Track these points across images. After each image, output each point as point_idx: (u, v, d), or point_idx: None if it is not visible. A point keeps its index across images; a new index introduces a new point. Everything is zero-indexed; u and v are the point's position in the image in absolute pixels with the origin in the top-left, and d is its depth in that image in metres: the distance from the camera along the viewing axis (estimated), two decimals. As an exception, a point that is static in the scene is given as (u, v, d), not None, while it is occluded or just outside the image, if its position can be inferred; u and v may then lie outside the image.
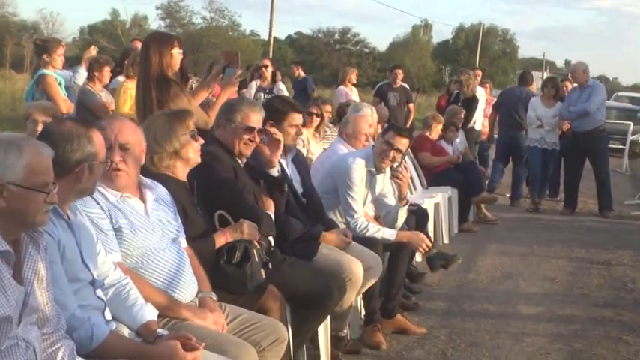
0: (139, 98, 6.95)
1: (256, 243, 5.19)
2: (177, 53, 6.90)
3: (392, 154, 7.05)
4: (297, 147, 7.02)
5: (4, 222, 3.16)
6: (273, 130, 5.89)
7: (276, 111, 6.43)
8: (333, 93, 18.39)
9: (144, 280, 4.40)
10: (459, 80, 15.47)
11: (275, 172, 5.92)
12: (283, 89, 15.46)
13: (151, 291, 4.36)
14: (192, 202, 5.18)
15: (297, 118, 6.49)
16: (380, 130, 8.72)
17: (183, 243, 4.75)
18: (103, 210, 4.34)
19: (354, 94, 16.11)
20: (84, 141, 3.79)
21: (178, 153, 5.08)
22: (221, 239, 5.09)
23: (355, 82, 16.68)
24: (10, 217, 3.17)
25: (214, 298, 4.69)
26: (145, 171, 4.89)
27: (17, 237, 3.25)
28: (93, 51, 11.27)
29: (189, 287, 4.62)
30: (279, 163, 6.10)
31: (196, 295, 4.65)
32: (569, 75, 14.56)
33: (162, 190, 4.77)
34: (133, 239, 4.43)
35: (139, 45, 13.10)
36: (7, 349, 3.16)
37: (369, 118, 8.27)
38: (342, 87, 16.31)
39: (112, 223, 4.36)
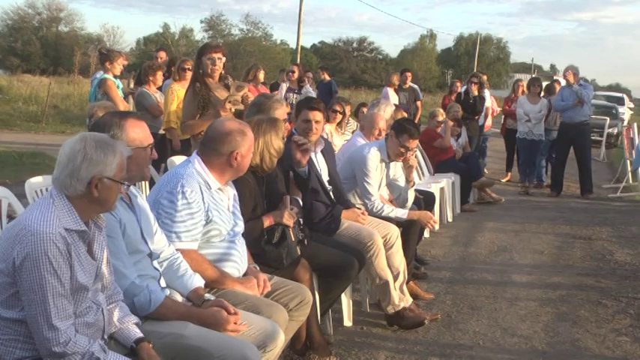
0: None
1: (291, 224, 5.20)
2: (206, 58, 6.94)
3: (408, 154, 7.08)
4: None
5: (86, 207, 3.30)
6: (303, 140, 5.88)
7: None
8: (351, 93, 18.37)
9: (203, 259, 4.43)
10: (479, 81, 15.33)
11: (303, 171, 5.93)
12: (310, 90, 15.47)
13: (207, 267, 4.39)
14: (262, 193, 5.23)
15: (310, 114, 6.42)
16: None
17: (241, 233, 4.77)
18: (204, 202, 4.39)
19: (394, 95, 16.02)
20: (115, 129, 3.81)
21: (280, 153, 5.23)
22: (266, 222, 5.08)
23: (397, 84, 16.53)
24: (95, 204, 3.32)
25: (257, 267, 4.72)
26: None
27: (88, 220, 3.33)
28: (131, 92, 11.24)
29: (242, 267, 4.65)
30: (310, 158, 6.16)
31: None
32: (564, 75, 14.54)
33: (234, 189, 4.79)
34: (216, 227, 4.47)
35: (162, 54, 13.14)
36: (83, 310, 3.28)
37: (382, 114, 8.24)
38: (387, 88, 16.20)
39: (207, 215, 4.41)
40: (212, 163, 4.48)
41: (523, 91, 16.03)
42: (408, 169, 7.27)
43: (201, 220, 4.38)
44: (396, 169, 7.33)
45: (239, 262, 4.62)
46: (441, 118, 12.51)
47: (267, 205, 5.26)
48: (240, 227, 4.70)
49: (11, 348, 3.16)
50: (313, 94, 15.27)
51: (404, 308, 6.36)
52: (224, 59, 7.18)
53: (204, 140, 4.58)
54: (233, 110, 6.96)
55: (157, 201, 4.35)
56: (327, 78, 18.06)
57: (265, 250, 5.00)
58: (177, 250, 4.28)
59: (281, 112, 5.81)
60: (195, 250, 4.38)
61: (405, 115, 11.54)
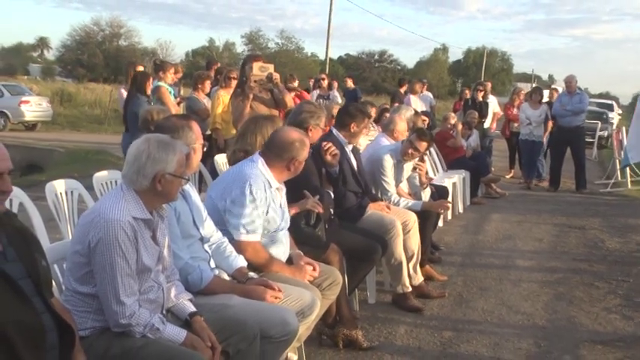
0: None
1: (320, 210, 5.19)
2: (249, 67, 7.06)
3: (410, 151, 7.04)
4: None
5: (151, 199, 3.35)
6: (333, 147, 5.89)
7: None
8: (373, 99, 18.34)
9: (264, 249, 4.45)
10: (485, 89, 15.52)
11: (334, 170, 5.95)
12: (337, 96, 15.49)
13: (266, 256, 4.42)
14: None
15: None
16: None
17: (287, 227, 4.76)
18: (266, 199, 4.40)
19: (416, 101, 16.04)
20: (186, 129, 3.98)
21: None
22: (292, 211, 5.08)
23: (419, 92, 16.47)
24: (159, 196, 3.36)
25: (301, 253, 4.72)
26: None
27: (153, 210, 3.38)
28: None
29: (287, 252, 4.66)
30: (346, 152, 6.21)
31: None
32: (565, 84, 14.53)
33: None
34: (271, 221, 4.48)
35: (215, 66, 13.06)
36: (146, 288, 3.33)
37: (403, 116, 8.22)
38: (410, 95, 16.17)
39: (266, 212, 4.41)
40: (273, 165, 4.49)
41: (520, 99, 16.00)
42: (418, 173, 7.37)
43: (264, 215, 4.39)
44: (411, 168, 7.37)
45: (284, 250, 4.64)
46: (453, 121, 12.48)
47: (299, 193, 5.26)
48: (287, 221, 4.70)
49: (84, 318, 3.20)
50: (339, 99, 15.28)
51: (409, 292, 6.36)
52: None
53: (269, 144, 4.58)
54: (259, 90, 7.06)
55: (225, 196, 4.39)
56: (352, 85, 18.01)
57: (306, 232, 4.99)
58: (243, 241, 4.32)
59: (324, 119, 5.84)
60: (259, 241, 4.40)
61: (426, 119, 11.57)
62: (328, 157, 5.81)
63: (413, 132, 7.27)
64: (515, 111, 15.74)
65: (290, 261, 4.63)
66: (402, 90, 16.77)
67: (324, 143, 5.86)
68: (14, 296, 2.64)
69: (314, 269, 4.56)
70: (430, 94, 17.24)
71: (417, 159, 7.28)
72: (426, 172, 8.13)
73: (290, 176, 4.61)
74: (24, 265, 2.77)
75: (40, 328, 2.70)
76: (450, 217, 10.42)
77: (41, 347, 2.70)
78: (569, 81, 14.28)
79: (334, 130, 6.33)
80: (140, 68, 9.36)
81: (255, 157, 4.56)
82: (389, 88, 74.98)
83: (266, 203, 4.39)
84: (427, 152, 7.77)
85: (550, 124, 14.64)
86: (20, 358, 2.58)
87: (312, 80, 16.89)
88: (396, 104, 13.65)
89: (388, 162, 6.98)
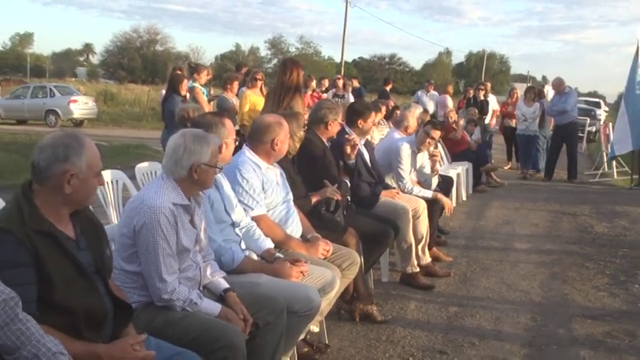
0: (274, 100, 6.93)
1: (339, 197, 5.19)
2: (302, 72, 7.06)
3: (427, 140, 7.04)
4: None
5: (189, 187, 3.36)
6: (355, 137, 5.88)
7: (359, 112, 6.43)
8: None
9: (274, 223, 4.46)
10: (485, 88, 15.62)
11: (352, 163, 5.95)
12: (350, 96, 15.52)
13: (278, 230, 4.44)
14: (294, 170, 5.20)
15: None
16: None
17: (292, 201, 4.75)
18: (258, 178, 4.42)
19: (450, 101, 16.19)
20: (219, 126, 3.98)
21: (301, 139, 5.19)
22: (314, 199, 5.09)
23: (452, 92, 16.55)
24: (196, 184, 3.37)
25: (319, 236, 4.71)
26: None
27: (190, 197, 3.39)
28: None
29: (296, 229, 4.65)
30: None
31: (307, 237, 4.66)
32: (552, 85, 14.52)
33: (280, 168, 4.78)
34: (270, 197, 4.48)
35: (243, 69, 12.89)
36: (185, 267, 3.34)
37: (413, 113, 8.20)
38: (446, 96, 16.30)
39: (263, 187, 4.43)
40: (258, 150, 4.51)
41: (516, 97, 15.99)
42: (432, 161, 7.27)
43: (262, 192, 4.41)
44: (424, 159, 7.31)
45: (294, 222, 4.64)
46: (454, 117, 12.48)
47: (321, 183, 5.25)
48: (289, 193, 4.70)
49: (130, 293, 3.21)
50: (352, 99, 15.29)
51: (418, 272, 6.37)
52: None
53: (251, 133, 4.62)
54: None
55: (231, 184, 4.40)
56: (357, 85, 18.06)
57: (326, 217, 5.01)
58: (253, 217, 4.32)
59: (341, 114, 5.83)
60: (266, 214, 4.42)
61: (453, 113, 11.57)
62: (348, 149, 5.81)
63: (426, 124, 7.28)
64: (510, 108, 15.83)
65: (308, 242, 4.62)
66: (387, 88, 17.12)
67: (348, 136, 5.88)
68: (84, 282, 2.66)
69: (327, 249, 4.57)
70: (436, 93, 17.29)
71: (432, 147, 7.26)
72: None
73: (277, 156, 4.60)
74: (92, 253, 2.78)
75: (103, 311, 2.73)
76: (454, 204, 10.37)
77: (101, 326, 2.73)
78: (555, 84, 14.38)
79: (346, 127, 6.33)
80: (178, 72, 9.39)
81: (243, 147, 4.60)
82: (398, 87, 75.00)
83: (259, 181, 4.41)
84: (440, 140, 7.77)
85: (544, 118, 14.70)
86: (81, 334, 2.61)
87: (327, 80, 16.89)
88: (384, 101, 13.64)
89: (406, 151, 6.97)
